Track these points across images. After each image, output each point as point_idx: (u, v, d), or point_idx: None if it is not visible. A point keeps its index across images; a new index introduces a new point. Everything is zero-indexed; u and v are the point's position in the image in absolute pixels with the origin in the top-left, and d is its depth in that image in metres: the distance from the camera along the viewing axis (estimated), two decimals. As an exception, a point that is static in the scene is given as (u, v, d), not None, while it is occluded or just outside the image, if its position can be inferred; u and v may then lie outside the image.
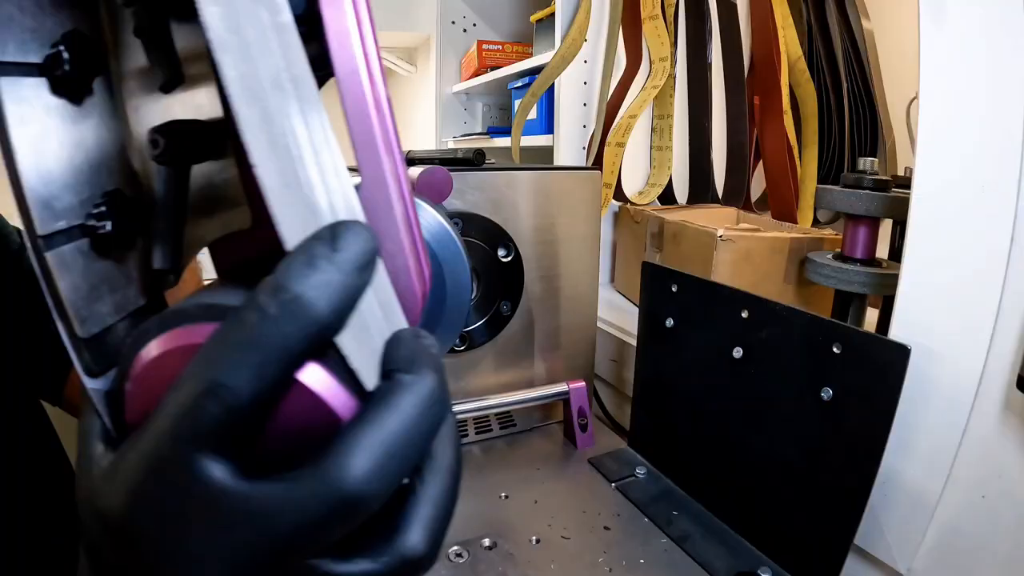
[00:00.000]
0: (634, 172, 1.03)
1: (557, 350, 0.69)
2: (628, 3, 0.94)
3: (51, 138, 0.18)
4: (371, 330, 0.17)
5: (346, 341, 0.16)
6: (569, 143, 1.05)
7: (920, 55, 0.40)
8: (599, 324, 0.79)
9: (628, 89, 0.98)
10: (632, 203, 0.98)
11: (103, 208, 0.19)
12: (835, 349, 0.44)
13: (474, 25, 1.74)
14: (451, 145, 1.75)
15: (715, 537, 0.52)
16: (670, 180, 1.01)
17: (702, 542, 0.52)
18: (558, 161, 1.06)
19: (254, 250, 0.20)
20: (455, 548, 0.50)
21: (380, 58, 0.19)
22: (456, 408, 0.64)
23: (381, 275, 0.17)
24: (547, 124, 1.19)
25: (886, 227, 0.58)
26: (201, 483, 0.15)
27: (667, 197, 1.02)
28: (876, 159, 0.58)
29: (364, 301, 0.17)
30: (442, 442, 0.20)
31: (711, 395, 0.56)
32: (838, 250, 0.60)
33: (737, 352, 0.52)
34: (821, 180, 1.02)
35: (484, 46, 1.56)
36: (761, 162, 1.04)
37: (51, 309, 0.18)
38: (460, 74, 1.74)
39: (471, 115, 1.82)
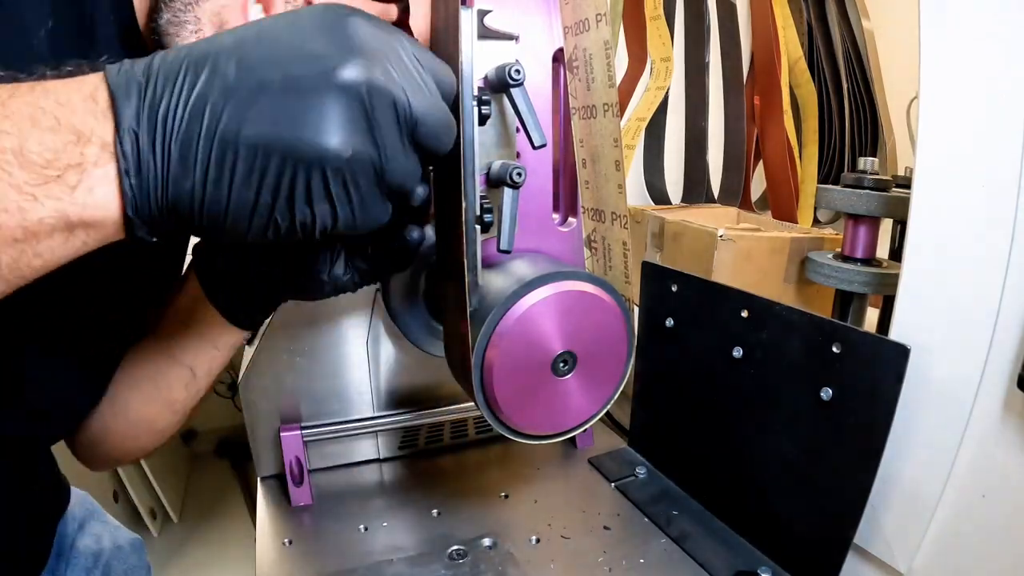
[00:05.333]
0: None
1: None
2: (631, 2, 0.93)
3: None
4: None
5: None
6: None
7: (920, 55, 0.40)
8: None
9: (634, 90, 0.98)
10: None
11: None
12: (835, 349, 0.44)
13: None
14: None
15: (715, 537, 0.52)
16: (664, 179, 1.01)
17: (702, 542, 0.52)
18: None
19: None
20: (456, 548, 0.50)
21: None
22: (454, 409, 0.64)
23: None
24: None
25: (886, 227, 0.58)
26: None
27: (661, 196, 1.01)
28: (876, 159, 0.58)
29: None
30: None
31: (711, 395, 0.56)
32: (838, 250, 0.60)
33: (737, 352, 0.52)
34: (821, 180, 1.02)
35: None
36: (761, 162, 1.04)
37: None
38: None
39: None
